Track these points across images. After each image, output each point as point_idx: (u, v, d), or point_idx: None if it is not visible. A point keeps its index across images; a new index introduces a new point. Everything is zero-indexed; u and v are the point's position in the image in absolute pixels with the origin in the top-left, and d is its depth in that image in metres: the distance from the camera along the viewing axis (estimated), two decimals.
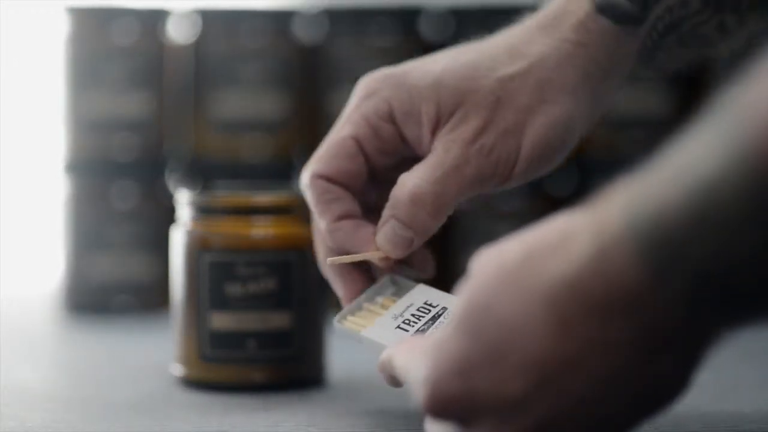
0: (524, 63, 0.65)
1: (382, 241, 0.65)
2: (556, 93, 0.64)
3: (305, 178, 0.67)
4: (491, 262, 0.49)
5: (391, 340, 0.62)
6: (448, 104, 0.65)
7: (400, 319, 0.63)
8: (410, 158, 0.66)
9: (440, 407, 0.49)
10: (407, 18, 1.08)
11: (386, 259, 0.66)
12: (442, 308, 0.64)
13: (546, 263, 0.47)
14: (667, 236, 0.43)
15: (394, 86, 0.66)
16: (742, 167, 0.41)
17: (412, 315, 0.64)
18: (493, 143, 0.64)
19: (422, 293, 0.65)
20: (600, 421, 0.47)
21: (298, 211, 0.75)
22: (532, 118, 0.64)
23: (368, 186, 0.68)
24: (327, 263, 0.67)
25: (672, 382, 0.47)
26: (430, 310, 0.64)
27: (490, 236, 0.99)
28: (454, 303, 0.63)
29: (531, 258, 0.47)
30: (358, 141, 0.66)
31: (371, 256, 0.66)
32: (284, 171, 1.08)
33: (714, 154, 0.42)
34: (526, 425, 0.47)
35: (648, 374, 0.46)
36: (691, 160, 0.43)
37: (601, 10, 0.64)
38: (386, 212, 0.65)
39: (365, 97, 0.66)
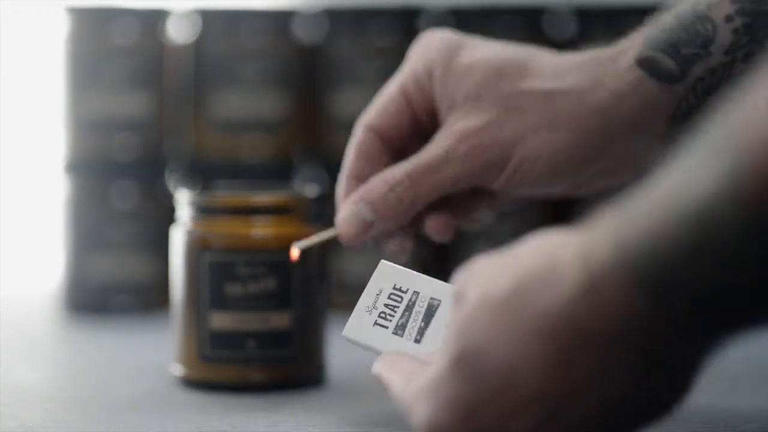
0: (552, 85, 0.65)
1: (340, 220, 0.67)
2: (566, 123, 0.64)
3: (358, 126, 0.69)
4: (479, 297, 0.48)
5: (374, 340, 0.62)
6: (467, 92, 0.65)
7: (375, 313, 0.62)
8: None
9: None
10: (407, 18, 1.08)
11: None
12: (413, 293, 0.62)
13: (536, 296, 0.46)
14: (662, 261, 0.43)
15: (444, 52, 0.67)
16: (738, 187, 0.41)
17: (386, 305, 0.62)
18: (488, 146, 0.65)
19: (387, 274, 0.63)
20: (604, 429, 0.47)
21: (298, 211, 0.75)
22: (534, 136, 0.64)
23: (414, 141, 0.69)
24: (295, 247, 0.72)
25: (672, 392, 0.47)
26: (401, 297, 0.62)
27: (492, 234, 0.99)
28: (423, 286, 0.63)
29: (520, 291, 0.47)
30: (405, 94, 0.68)
31: (333, 234, 0.69)
32: (284, 171, 1.08)
33: (708, 174, 0.42)
34: None
35: (649, 388, 0.46)
36: (683, 181, 0.43)
37: (640, 63, 0.64)
38: (358, 192, 0.66)
39: (420, 53, 0.68)
